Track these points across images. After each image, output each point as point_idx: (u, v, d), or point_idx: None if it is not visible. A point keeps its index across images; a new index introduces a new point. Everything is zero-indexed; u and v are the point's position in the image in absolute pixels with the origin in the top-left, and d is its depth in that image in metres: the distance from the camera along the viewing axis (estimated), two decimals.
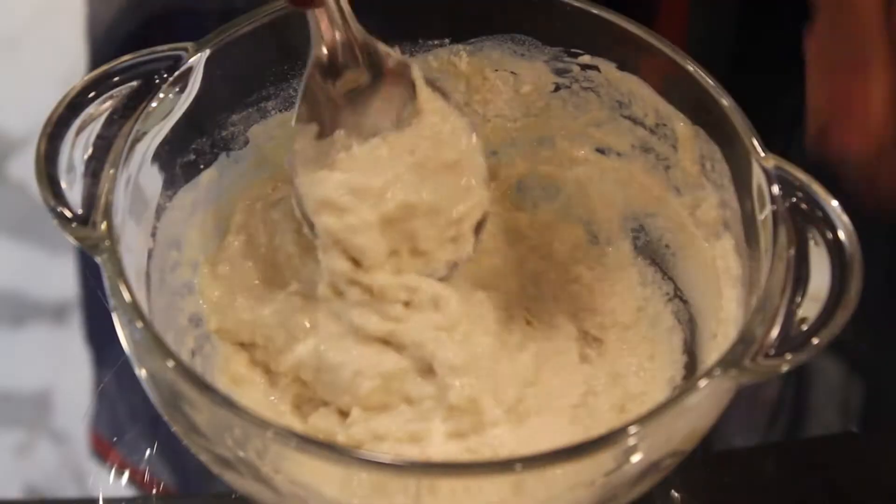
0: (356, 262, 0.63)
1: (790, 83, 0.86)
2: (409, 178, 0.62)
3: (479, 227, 0.65)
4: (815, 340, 0.53)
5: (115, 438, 0.77)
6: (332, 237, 0.62)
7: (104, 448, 0.87)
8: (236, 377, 0.65)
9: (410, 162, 0.63)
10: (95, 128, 0.60)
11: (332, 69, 0.63)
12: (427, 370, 0.63)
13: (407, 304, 0.65)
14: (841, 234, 0.56)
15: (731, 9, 0.86)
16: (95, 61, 0.94)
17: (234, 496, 0.66)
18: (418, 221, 0.62)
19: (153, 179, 0.63)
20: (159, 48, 0.63)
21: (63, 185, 0.57)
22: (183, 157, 0.66)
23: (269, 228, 0.69)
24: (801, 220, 0.57)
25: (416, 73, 0.64)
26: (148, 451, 0.75)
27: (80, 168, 0.58)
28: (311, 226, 0.64)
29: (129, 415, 0.81)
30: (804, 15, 0.82)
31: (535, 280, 0.71)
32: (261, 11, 0.65)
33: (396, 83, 0.64)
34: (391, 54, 0.64)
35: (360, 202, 0.62)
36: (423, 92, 0.64)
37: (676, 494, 0.68)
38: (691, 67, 0.64)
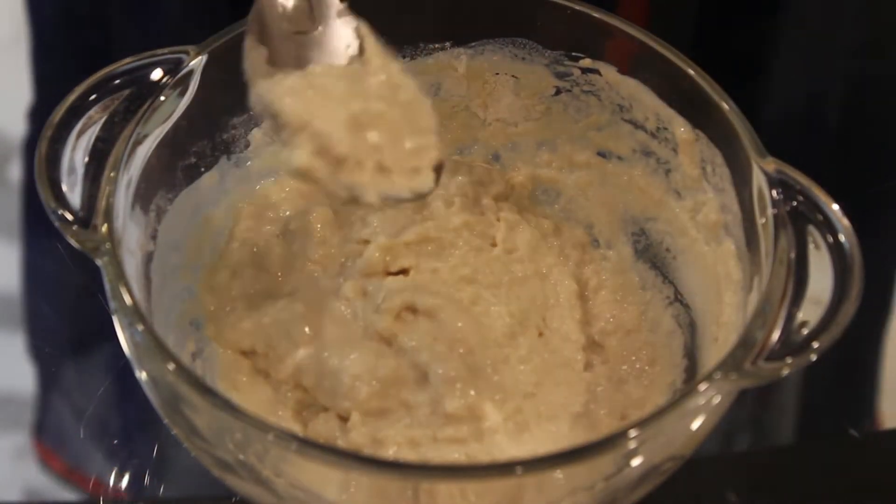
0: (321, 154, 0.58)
1: (750, 77, 0.86)
2: (374, 92, 0.60)
3: (437, 171, 0.60)
4: (816, 344, 0.53)
5: (115, 442, 0.77)
6: (299, 121, 0.58)
7: (51, 459, 0.89)
8: (237, 384, 0.65)
9: (373, 83, 0.60)
10: (96, 130, 0.60)
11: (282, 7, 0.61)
12: (423, 378, 0.63)
13: (414, 311, 0.65)
14: (842, 238, 0.56)
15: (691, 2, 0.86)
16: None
17: (234, 500, 0.66)
18: (383, 135, 0.58)
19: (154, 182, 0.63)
20: (160, 51, 0.63)
21: (64, 187, 0.57)
22: (184, 159, 0.66)
23: (270, 235, 0.69)
24: (802, 223, 0.57)
25: (364, 30, 0.62)
26: (149, 456, 0.75)
27: (80, 171, 0.58)
28: (277, 123, 0.59)
29: (130, 419, 0.81)
30: (762, 10, 0.82)
31: (556, 288, 0.71)
32: None
33: (343, 33, 0.62)
34: (338, 7, 0.62)
35: (324, 99, 0.59)
36: (371, 44, 0.62)
37: None
38: (692, 71, 0.64)
